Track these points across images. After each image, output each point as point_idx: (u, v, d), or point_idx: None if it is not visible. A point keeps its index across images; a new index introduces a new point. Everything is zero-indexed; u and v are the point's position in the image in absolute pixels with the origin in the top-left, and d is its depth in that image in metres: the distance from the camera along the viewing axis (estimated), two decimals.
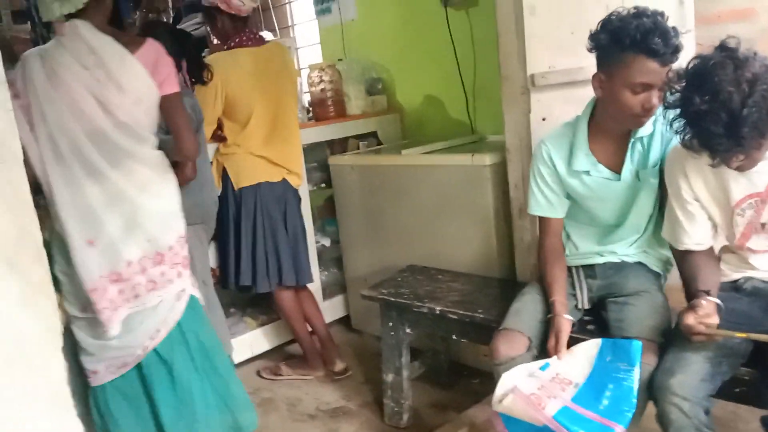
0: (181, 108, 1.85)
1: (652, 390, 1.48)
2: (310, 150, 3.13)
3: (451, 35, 3.06)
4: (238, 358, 2.82)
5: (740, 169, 1.43)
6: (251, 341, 3.00)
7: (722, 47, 1.36)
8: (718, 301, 1.47)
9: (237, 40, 2.61)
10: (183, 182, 2.30)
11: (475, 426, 2.26)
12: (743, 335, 1.34)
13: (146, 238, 1.74)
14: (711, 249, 1.65)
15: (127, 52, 1.71)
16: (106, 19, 1.77)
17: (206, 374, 1.86)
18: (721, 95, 1.28)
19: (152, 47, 1.77)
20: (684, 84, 1.38)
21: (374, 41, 3.52)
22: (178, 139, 1.85)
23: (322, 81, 3.26)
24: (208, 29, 3.06)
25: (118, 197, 1.71)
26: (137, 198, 1.73)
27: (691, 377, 1.41)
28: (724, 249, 1.68)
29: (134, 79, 1.71)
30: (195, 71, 2.40)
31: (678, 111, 1.41)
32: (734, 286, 1.60)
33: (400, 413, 2.38)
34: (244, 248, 2.65)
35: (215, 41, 3.16)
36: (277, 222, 2.68)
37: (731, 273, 1.62)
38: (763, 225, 1.51)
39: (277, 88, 2.65)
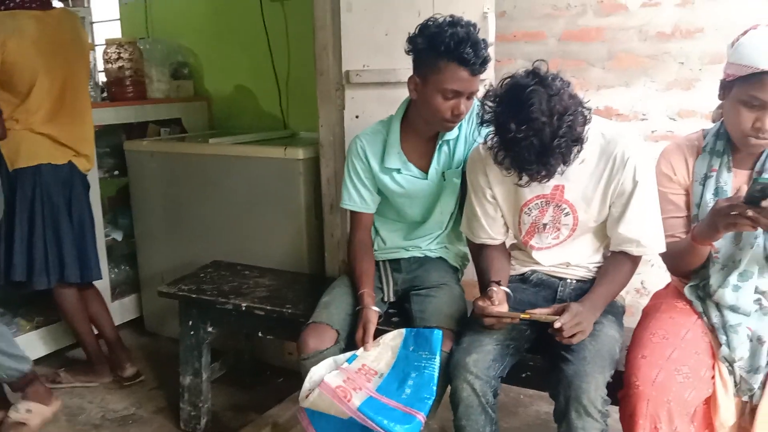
0: None
1: (448, 371, 1.55)
2: (102, 133, 2.84)
3: (265, 26, 2.99)
4: None
5: (540, 182, 1.52)
6: (25, 345, 2.57)
7: (534, 74, 1.42)
8: (508, 290, 1.61)
9: (18, 0, 2.27)
10: None
11: (278, 425, 2.21)
12: (526, 316, 1.49)
13: None
14: (503, 244, 1.79)
15: None
16: None
17: None
18: (535, 124, 1.36)
19: None
20: (499, 107, 1.43)
21: (182, 22, 3.31)
22: None
23: (120, 58, 2.98)
24: None
25: None
26: None
27: (484, 356, 1.51)
28: (513, 246, 1.84)
29: None
30: None
31: (493, 130, 1.47)
32: (522, 278, 1.76)
33: (197, 417, 2.24)
34: (18, 238, 2.31)
35: None
36: (59, 210, 2.38)
37: (519, 267, 1.78)
38: (544, 225, 1.67)
39: (66, 59, 2.36)
